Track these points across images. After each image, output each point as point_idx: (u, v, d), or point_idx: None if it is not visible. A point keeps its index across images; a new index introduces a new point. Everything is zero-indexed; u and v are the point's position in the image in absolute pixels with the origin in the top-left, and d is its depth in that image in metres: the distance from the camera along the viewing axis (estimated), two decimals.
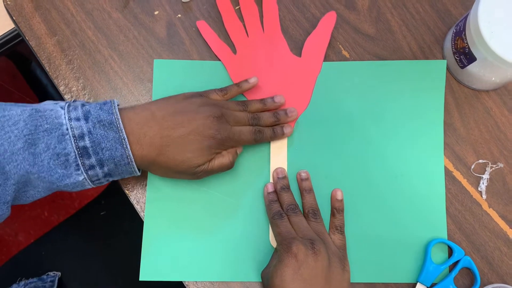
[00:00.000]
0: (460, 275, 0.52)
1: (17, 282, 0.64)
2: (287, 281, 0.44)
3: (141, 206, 0.53)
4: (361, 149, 0.54)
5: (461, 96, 0.55)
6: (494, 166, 0.54)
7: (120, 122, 0.45)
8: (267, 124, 0.53)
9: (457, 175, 0.54)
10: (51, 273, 0.66)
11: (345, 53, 0.57)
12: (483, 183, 0.53)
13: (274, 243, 0.52)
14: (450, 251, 0.52)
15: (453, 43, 0.53)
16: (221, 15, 0.57)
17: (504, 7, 0.47)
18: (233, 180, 0.54)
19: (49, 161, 0.43)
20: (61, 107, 0.45)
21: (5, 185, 0.42)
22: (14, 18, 0.57)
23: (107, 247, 0.70)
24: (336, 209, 0.52)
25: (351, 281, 0.51)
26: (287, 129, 0.53)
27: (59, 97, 0.57)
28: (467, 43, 0.50)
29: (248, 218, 0.53)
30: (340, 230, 0.51)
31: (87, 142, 0.44)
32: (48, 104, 0.46)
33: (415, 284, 0.51)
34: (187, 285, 0.52)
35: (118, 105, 0.47)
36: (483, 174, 0.54)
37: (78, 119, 0.44)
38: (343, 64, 0.56)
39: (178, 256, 0.52)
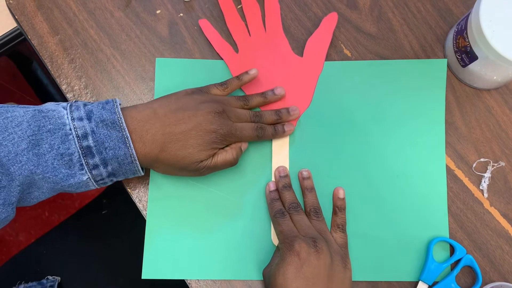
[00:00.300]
0: (461, 274, 0.52)
1: (17, 285, 0.64)
2: (290, 279, 0.45)
3: (143, 204, 0.53)
4: (363, 147, 0.55)
5: (462, 95, 0.56)
6: (495, 164, 0.54)
7: (123, 121, 0.45)
8: (269, 122, 0.53)
9: (459, 173, 0.54)
10: (50, 277, 0.66)
11: (346, 52, 0.57)
12: (484, 182, 0.54)
13: (276, 242, 0.52)
14: (452, 250, 0.52)
15: (454, 42, 0.53)
16: (223, 14, 0.57)
17: (506, 6, 0.47)
18: (235, 179, 0.54)
19: (53, 161, 0.43)
20: (63, 107, 0.45)
21: (10, 186, 0.42)
22: (16, 17, 0.57)
23: (107, 247, 0.70)
24: (338, 208, 0.52)
25: (353, 280, 0.51)
26: (288, 127, 0.53)
27: (60, 96, 0.58)
28: (468, 42, 0.50)
29: (250, 217, 0.53)
30: (342, 228, 0.52)
31: (90, 141, 0.44)
32: (50, 105, 0.46)
33: (417, 282, 0.51)
34: (189, 283, 0.52)
35: (120, 104, 0.47)
36: (485, 172, 0.54)
37: (81, 119, 0.45)
38: (344, 64, 0.56)
39: (180, 254, 0.52)
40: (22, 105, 0.45)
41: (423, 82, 0.56)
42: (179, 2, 0.58)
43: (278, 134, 0.53)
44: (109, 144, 0.45)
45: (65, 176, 0.44)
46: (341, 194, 0.53)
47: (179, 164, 0.48)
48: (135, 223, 0.58)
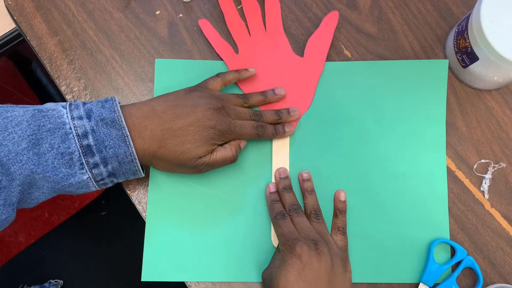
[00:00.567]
0: (462, 275, 0.52)
1: None
2: (292, 282, 0.44)
3: (142, 206, 0.53)
4: (363, 148, 0.54)
5: (463, 96, 0.55)
6: (496, 166, 0.54)
7: (123, 119, 0.45)
8: (268, 121, 0.53)
9: (460, 175, 0.54)
10: (53, 281, 0.66)
11: (347, 52, 0.57)
12: (485, 183, 0.53)
13: (276, 243, 0.52)
14: (453, 251, 0.52)
15: (455, 42, 0.53)
16: (223, 14, 0.57)
17: (507, 6, 0.47)
18: (234, 180, 0.54)
19: (54, 160, 0.43)
20: (63, 107, 0.45)
21: (11, 186, 0.42)
22: (15, 18, 0.57)
23: (108, 248, 0.70)
24: (339, 210, 0.52)
25: (353, 281, 0.51)
26: (289, 128, 0.53)
27: (59, 96, 0.57)
28: (469, 42, 0.50)
29: (249, 219, 0.53)
30: (343, 231, 0.51)
31: (90, 140, 0.44)
32: (49, 105, 0.46)
33: (418, 284, 0.51)
34: (189, 285, 0.52)
35: (119, 102, 0.47)
36: (486, 174, 0.54)
37: (80, 118, 0.44)
38: (345, 64, 0.56)
39: (180, 256, 0.52)
40: (21, 105, 0.45)
41: (423, 83, 0.55)
42: (178, 3, 0.58)
43: (278, 134, 0.53)
44: (109, 142, 0.45)
45: (66, 175, 0.44)
46: (342, 196, 0.53)
47: (178, 160, 0.48)
48: (134, 225, 0.58)
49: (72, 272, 0.68)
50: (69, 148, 0.44)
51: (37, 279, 0.66)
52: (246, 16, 0.57)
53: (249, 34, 0.57)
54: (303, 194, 0.53)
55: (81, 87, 0.56)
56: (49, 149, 0.43)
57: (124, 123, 0.45)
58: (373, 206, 0.53)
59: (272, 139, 0.54)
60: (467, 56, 0.51)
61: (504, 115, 0.55)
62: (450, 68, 0.56)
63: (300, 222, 0.49)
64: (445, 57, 0.56)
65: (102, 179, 0.46)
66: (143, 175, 0.49)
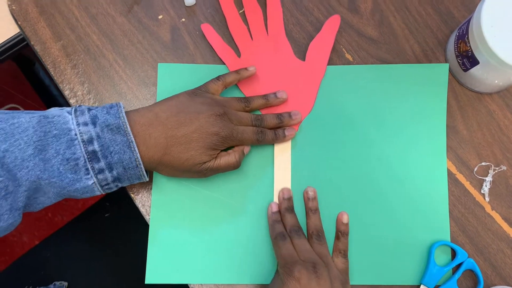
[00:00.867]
0: (463, 277, 0.52)
1: None
2: None
3: (146, 209, 0.54)
4: (365, 152, 0.55)
5: (464, 99, 0.56)
6: (497, 168, 0.54)
7: (128, 126, 0.46)
8: (270, 125, 0.54)
9: (460, 177, 0.54)
10: (57, 283, 0.66)
11: (348, 56, 0.57)
12: (486, 186, 0.54)
13: None
14: (454, 254, 0.53)
15: (456, 46, 0.53)
16: (226, 18, 0.57)
17: (507, 11, 0.47)
18: (237, 183, 0.54)
19: (59, 166, 0.44)
20: (68, 113, 0.46)
21: (17, 192, 0.42)
22: (19, 23, 0.57)
23: (111, 250, 0.71)
24: (341, 232, 0.52)
25: (355, 283, 0.52)
26: (289, 131, 0.54)
27: (62, 98, 0.58)
28: (470, 46, 0.50)
29: (252, 221, 0.54)
30: (344, 253, 0.51)
31: (96, 146, 0.45)
32: (54, 110, 0.46)
33: (419, 286, 0.52)
34: (192, 287, 0.52)
35: (123, 108, 0.47)
36: (486, 176, 0.54)
37: (86, 124, 0.45)
38: (346, 68, 0.56)
39: (183, 259, 0.53)
40: (27, 111, 0.46)
41: (424, 87, 0.56)
42: (181, 7, 0.58)
43: (278, 139, 0.53)
44: (114, 148, 0.45)
45: (71, 180, 0.45)
46: (345, 219, 0.52)
47: (183, 167, 0.48)
48: (138, 227, 0.58)
49: (75, 274, 0.69)
50: (74, 154, 0.44)
51: (42, 281, 0.67)
52: (248, 20, 0.58)
53: (251, 38, 0.57)
54: (307, 213, 0.53)
55: (84, 91, 0.56)
56: (55, 155, 0.44)
57: (129, 129, 0.46)
58: (374, 208, 0.54)
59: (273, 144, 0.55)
60: (468, 60, 0.51)
61: (505, 118, 0.55)
62: (451, 71, 0.56)
63: (300, 244, 0.49)
64: (446, 60, 0.56)
65: (107, 184, 0.47)
66: (147, 179, 0.49)
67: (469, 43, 0.50)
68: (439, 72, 0.56)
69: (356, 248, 0.53)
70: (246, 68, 0.55)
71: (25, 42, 0.61)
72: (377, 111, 0.55)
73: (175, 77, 0.56)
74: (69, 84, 0.56)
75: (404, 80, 0.56)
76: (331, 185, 0.54)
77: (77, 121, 0.45)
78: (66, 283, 0.66)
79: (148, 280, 0.52)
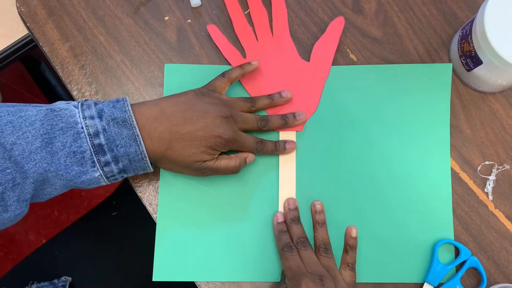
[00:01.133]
0: (466, 275, 0.53)
1: (29, 285, 0.65)
2: None
3: (153, 208, 0.55)
4: (369, 151, 0.55)
5: (467, 99, 0.56)
6: (500, 167, 0.55)
7: (134, 119, 0.47)
8: (275, 126, 0.54)
9: (464, 176, 0.55)
10: (62, 278, 0.67)
11: (352, 56, 0.57)
12: (489, 185, 0.54)
13: None
14: (457, 252, 0.53)
15: (459, 46, 0.54)
16: (231, 19, 0.58)
17: (510, 11, 0.47)
18: (243, 182, 0.55)
19: (66, 159, 0.45)
20: (75, 106, 0.47)
21: (24, 184, 0.43)
22: (27, 24, 0.58)
23: (118, 248, 0.71)
24: (350, 246, 0.52)
25: (359, 281, 0.52)
26: (289, 145, 0.54)
27: (68, 97, 0.58)
28: (473, 46, 0.50)
29: (258, 220, 0.54)
30: (352, 267, 0.51)
31: (102, 139, 0.46)
32: (61, 104, 0.47)
33: (423, 284, 0.52)
34: (198, 285, 0.53)
35: (129, 102, 0.48)
36: (490, 175, 0.55)
37: (92, 118, 0.46)
38: (350, 68, 0.57)
39: (190, 257, 0.53)
40: (34, 104, 0.47)
41: (428, 86, 0.56)
42: (187, 9, 0.59)
43: (278, 151, 0.54)
44: (120, 141, 0.46)
45: (78, 173, 0.46)
46: (353, 233, 0.52)
47: (184, 162, 0.49)
48: (145, 225, 0.59)
49: (83, 272, 0.70)
50: (81, 147, 0.45)
51: (50, 279, 0.68)
52: (253, 21, 0.58)
53: (256, 39, 0.58)
54: (314, 226, 0.53)
55: (92, 92, 0.57)
56: (62, 147, 0.45)
57: (135, 123, 0.46)
58: (378, 207, 0.54)
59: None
60: (471, 59, 0.52)
61: (508, 117, 0.56)
62: (454, 71, 0.56)
63: (307, 257, 0.49)
64: (450, 60, 0.57)
65: (113, 175, 0.48)
66: (152, 170, 0.50)
67: (472, 43, 0.50)
68: (442, 72, 0.56)
69: (361, 246, 0.53)
70: (249, 63, 0.55)
71: (33, 44, 0.62)
72: (381, 110, 0.56)
73: (181, 78, 0.57)
74: (77, 84, 0.57)
75: (408, 80, 0.56)
76: (335, 184, 0.55)
77: (83, 115, 0.46)
78: (70, 278, 0.67)
79: (156, 277, 0.53)
